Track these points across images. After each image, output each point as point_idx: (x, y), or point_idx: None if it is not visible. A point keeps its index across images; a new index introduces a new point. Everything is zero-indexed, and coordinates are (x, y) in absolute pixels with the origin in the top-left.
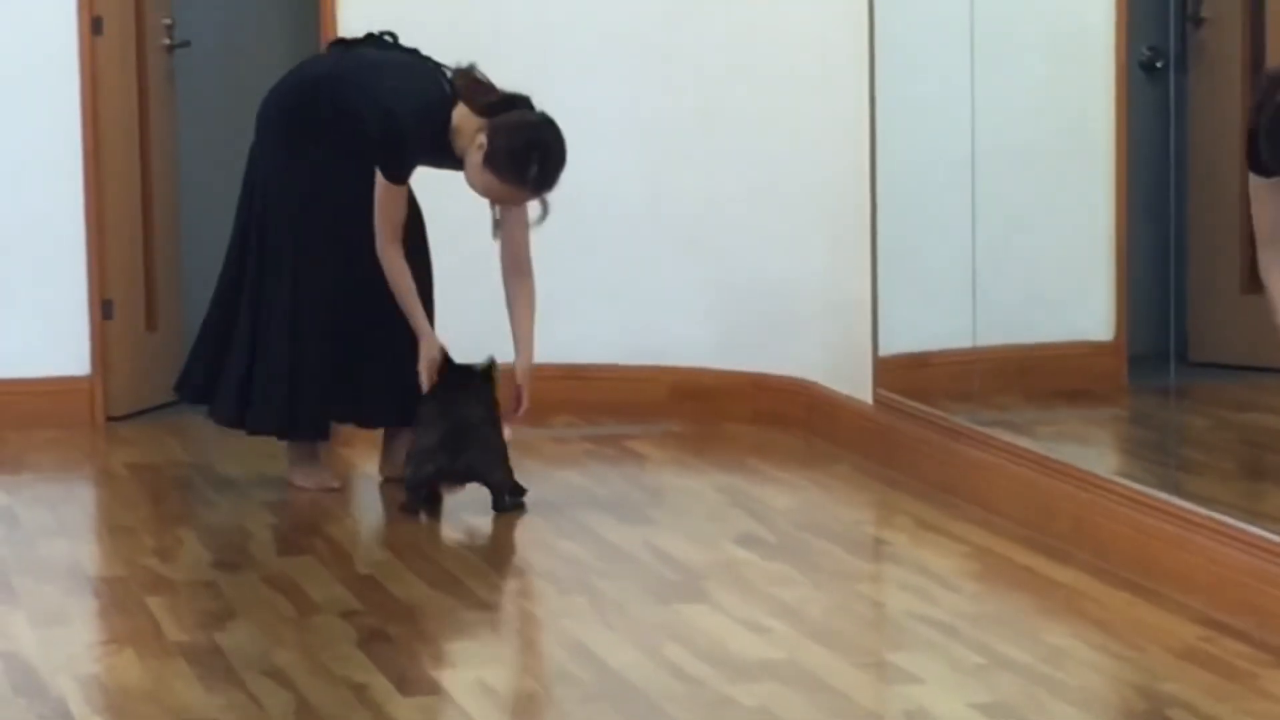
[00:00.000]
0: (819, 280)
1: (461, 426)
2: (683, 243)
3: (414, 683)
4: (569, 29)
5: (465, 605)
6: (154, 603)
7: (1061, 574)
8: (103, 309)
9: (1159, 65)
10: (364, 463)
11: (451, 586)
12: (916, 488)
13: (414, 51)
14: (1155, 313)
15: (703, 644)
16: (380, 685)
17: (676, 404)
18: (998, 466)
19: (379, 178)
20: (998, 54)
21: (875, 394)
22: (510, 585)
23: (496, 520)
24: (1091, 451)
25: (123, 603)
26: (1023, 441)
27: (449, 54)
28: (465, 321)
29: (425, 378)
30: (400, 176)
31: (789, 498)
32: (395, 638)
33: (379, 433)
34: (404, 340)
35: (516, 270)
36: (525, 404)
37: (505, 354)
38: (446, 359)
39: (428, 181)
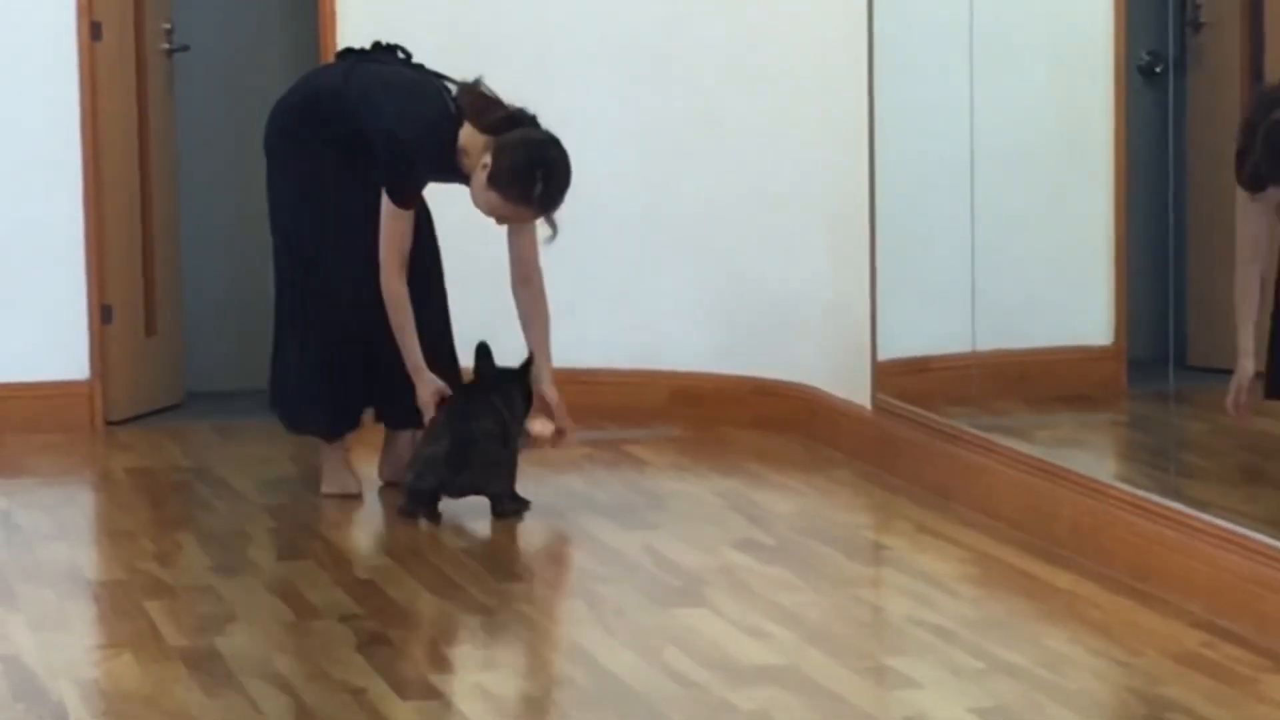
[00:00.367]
0: (818, 285)
1: (468, 440)
2: (682, 247)
3: (413, 687)
4: (568, 32)
5: (465, 610)
6: (153, 607)
7: (1061, 579)
8: (102, 314)
9: (1158, 70)
10: (363, 466)
11: (451, 591)
12: (916, 492)
13: (420, 68)
14: (1154, 317)
15: (702, 649)
16: (379, 690)
17: (676, 408)
18: (997, 471)
19: (386, 203)
20: (996, 59)
21: (875, 399)
22: (510, 590)
23: (496, 525)
24: (1091, 456)
25: (122, 607)
26: (1022, 446)
27: (450, 58)
28: (462, 323)
29: (426, 416)
30: (407, 201)
31: (788, 502)
32: (394, 642)
33: (379, 435)
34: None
35: (525, 279)
36: (566, 420)
37: (503, 357)
38: (458, 380)
39: (431, 185)
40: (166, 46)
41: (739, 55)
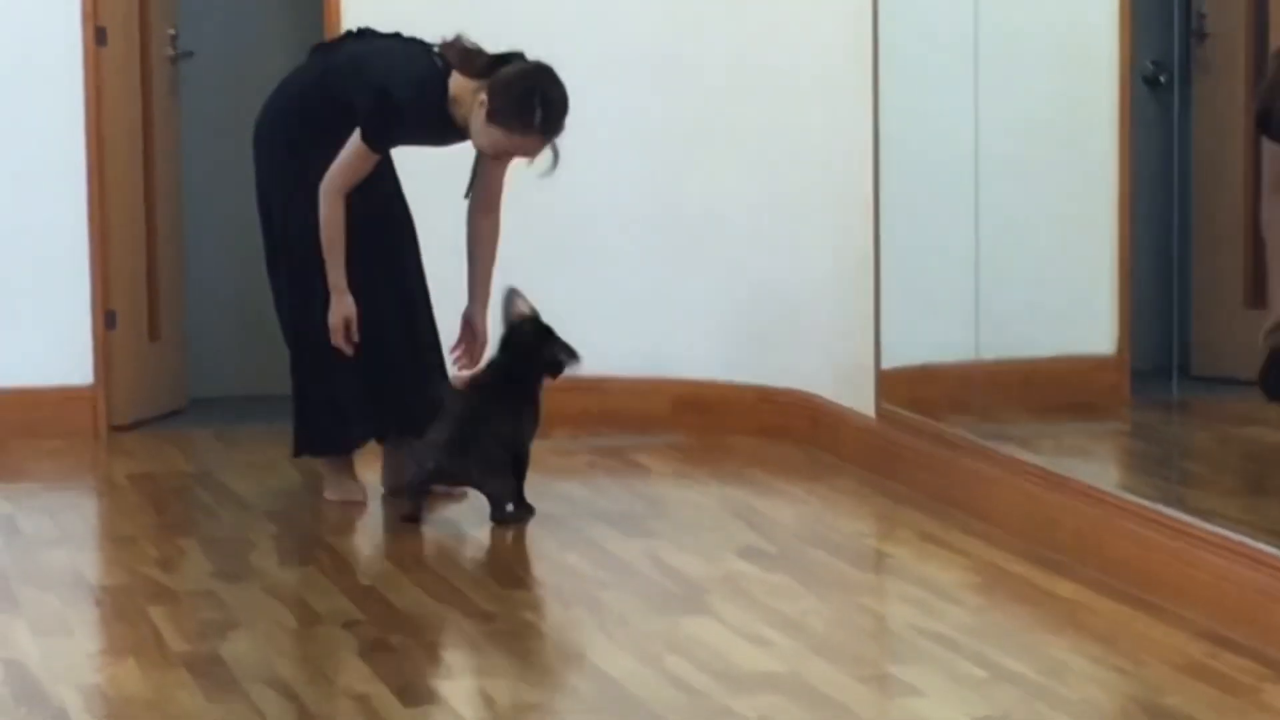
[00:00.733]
0: (822, 293)
1: (473, 433)
2: (687, 255)
3: (415, 693)
4: (575, 38)
5: (467, 616)
6: (156, 612)
7: (1063, 587)
8: (106, 319)
9: (1162, 79)
10: (366, 473)
11: (453, 597)
12: (919, 500)
13: (396, 35)
14: (1158, 326)
15: (704, 656)
16: (382, 696)
17: (680, 416)
18: (1000, 480)
19: (356, 137)
20: (1001, 67)
21: (878, 407)
22: (512, 596)
23: (498, 532)
24: (1094, 465)
25: (124, 612)
26: (1025, 455)
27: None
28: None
29: (335, 335)
30: (380, 145)
31: (791, 510)
32: (397, 648)
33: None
34: (430, 355)
35: (486, 207)
36: (482, 339)
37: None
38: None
39: (425, 186)
40: (171, 52)
41: (744, 63)
